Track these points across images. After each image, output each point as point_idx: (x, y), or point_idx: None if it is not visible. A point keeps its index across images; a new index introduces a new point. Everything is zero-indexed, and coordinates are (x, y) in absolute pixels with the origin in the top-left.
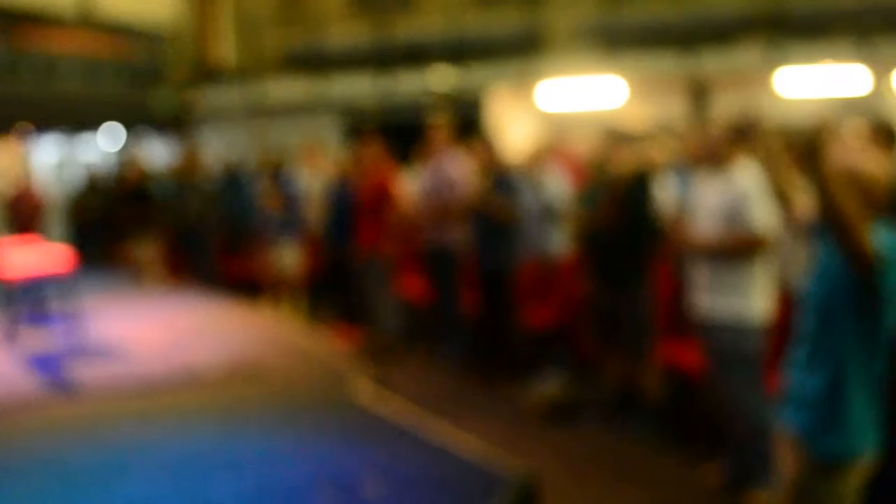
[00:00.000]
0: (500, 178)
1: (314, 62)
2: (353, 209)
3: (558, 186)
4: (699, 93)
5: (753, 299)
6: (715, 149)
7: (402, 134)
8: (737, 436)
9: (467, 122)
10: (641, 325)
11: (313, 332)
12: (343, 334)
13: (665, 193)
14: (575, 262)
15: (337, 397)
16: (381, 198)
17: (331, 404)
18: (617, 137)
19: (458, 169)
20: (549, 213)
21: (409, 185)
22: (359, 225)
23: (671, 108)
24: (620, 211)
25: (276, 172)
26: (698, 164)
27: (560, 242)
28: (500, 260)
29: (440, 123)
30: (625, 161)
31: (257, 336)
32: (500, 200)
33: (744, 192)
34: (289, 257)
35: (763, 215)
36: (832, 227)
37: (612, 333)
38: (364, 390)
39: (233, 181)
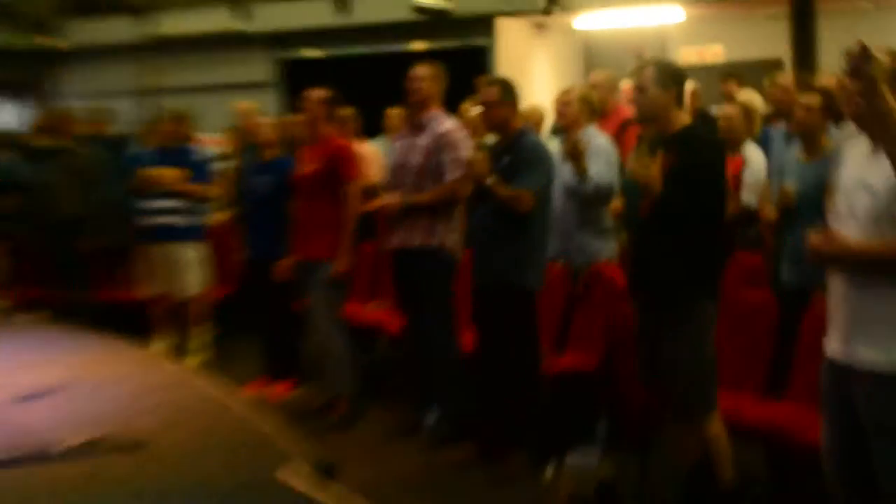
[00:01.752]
0: (511, 144)
1: None
2: (287, 200)
3: (607, 157)
4: (803, 8)
5: None
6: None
7: (366, 83)
8: None
9: (467, 58)
10: (700, 371)
11: (224, 386)
12: (268, 388)
13: (754, 166)
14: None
15: (257, 481)
16: (332, 182)
17: (248, 492)
18: (667, 72)
19: (449, 138)
20: (593, 200)
21: (378, 163)
22: (297, 225)
23: (756, 35)
24: (667, 192)
25: (176, 143)
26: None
27: (607, 244)
28: (506, 272)
29: (424, 72)
30: (677, 114)
31: (142, 390)
32: (505, 182)
33: None
34: (192, 272)
35: None
36: None
37: (658, 380)
38: (297, 473)
39: (114, 157)
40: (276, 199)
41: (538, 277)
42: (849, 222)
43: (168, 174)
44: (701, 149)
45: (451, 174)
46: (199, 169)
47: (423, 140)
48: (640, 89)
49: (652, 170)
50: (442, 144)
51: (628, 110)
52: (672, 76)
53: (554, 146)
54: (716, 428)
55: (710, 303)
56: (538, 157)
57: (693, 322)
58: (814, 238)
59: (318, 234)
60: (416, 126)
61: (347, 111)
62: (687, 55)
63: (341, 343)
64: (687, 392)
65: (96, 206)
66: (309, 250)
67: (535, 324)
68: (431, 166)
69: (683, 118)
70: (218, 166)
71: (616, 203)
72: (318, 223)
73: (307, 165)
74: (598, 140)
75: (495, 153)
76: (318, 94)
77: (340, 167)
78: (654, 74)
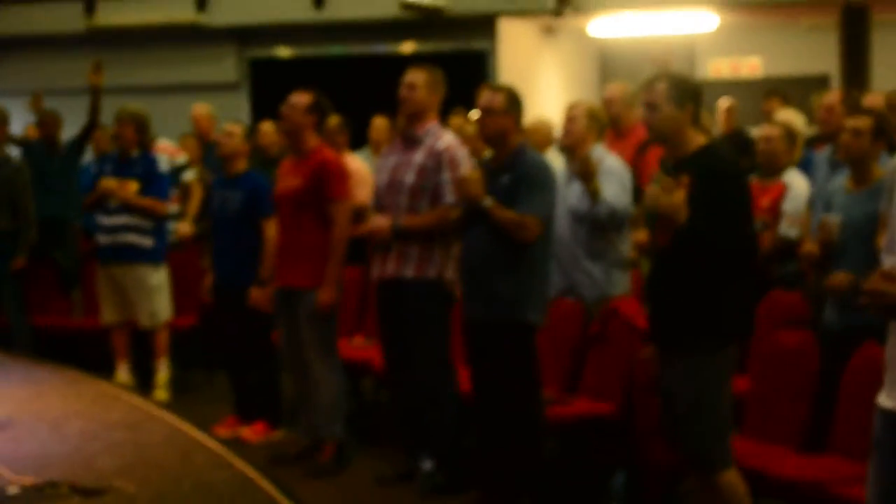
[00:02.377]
0: (511, 161)
1: None
2: (259, 219)
3: (620, 178)
4: (855, 19)
5: None
6: None
7: (346, 88)
8: None
9: (464, 64)
10: (719, 421)
11: (187, 430)
12: (240, 429)
13: (796, 194)
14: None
15: None
16: (318, 201)
17: None
18: (682, 88)
19: (450, 155)
20: (607, 225)
21: (367, 181)
22: (279, 248)
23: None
24: (690, 223)
25: (129, 148)
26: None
27: (621, 277)
28: (504, 305)
29: (420, 78)
30: (692, 135)
31: (101, 428)
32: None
33: None
34: (157, 297)
35: None
36: None
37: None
38: None
39: (63, 165)
40: (247, 219)
41: (540, 312)
42: None
43: (128, 186)
44: (719, 173)
45: (452, 196)
46: (158, 181)
47: (418, 157)
48: (650, 107)
49: (676, 196)
50: (441, 162)
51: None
52: (687, 92)
53: (559, 164)
54: (731, 476)
55: (732, 347)
56: (544, 178)
57: (712, 369)
58: (872, 281)
59: (302, 259)
60: (409, 140)
61: (334, 120)
62: (719, 68)
63: (336, 382)
64: (704, 444)
65: (30, 221)
66: (292, 277)
67: (536, 363)
68: (428, 186)
69: (699, 139)
70: (186, 177)
71: (640, 234)
72: (302, 247)
73: (289, 181)
74: (608, 161)
75: (490, 171)
76: (302, 99)
77: (327, 184)
78: (667, 90)
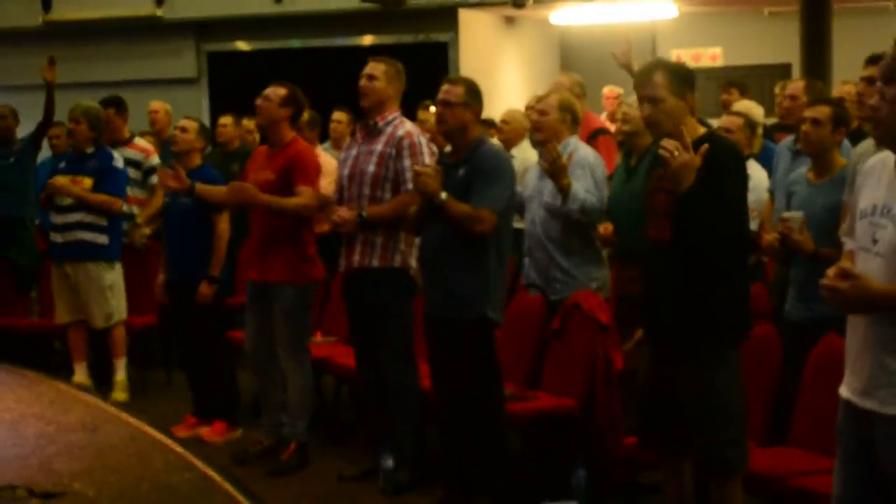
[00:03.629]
0: (468, 154)
1: None
2: (212, 214)
3: (593, 171)
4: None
5: None
6: None
7: (306, 81)
8: None
9: (425, 55)
10: (737, 421)
11: (147, 431)
12: (199, 429)
13: (755, 185)
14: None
15: None
16: (290, 193)
17: None
18: (680, 76)
19: (409, 141)
20: (581, 220)
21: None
22: (254, 242)
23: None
24: (681, 215)
25: (84, 145)
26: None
27: (597, 273)
28: (462, 299)
29: (379, 70)
30: (693, 124)
31: (58, 430)
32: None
33: None
34: (113, 296)
35: None
36: None
37: (673, 437)
38: None
39: (17, 162)
40: (198, 214)
41: (499, 306)
42: (868, 255)
43: (81, 183)
44: (727, 157)
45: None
46: (113, 178)
47: (378, 146)
48: (652, 101)
49: (692, 157)
50: (400, 149)
51: (597, 119)
52: (686, 81)
53: (532, 157)
54: (739, 486)
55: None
56: (498, 170)
57: (725, 367)
58: (831, 277)
59: (276, 253)
60: (370, 131)
61: (305, 115)
62: (680, 58)
63: (305, 381)
64: (721, 446)
65: None
66: (266, 272)
67: (495, 359)
68: (389, 175)
69: (699, 128)
70: (153, 179)
71: (603, 227)
72: (276, 241)
73: (262, 174)
74: (581, 152)
75: (448, 164)
76: (278, 91)
77: (296, 173)
78: (666, 80)
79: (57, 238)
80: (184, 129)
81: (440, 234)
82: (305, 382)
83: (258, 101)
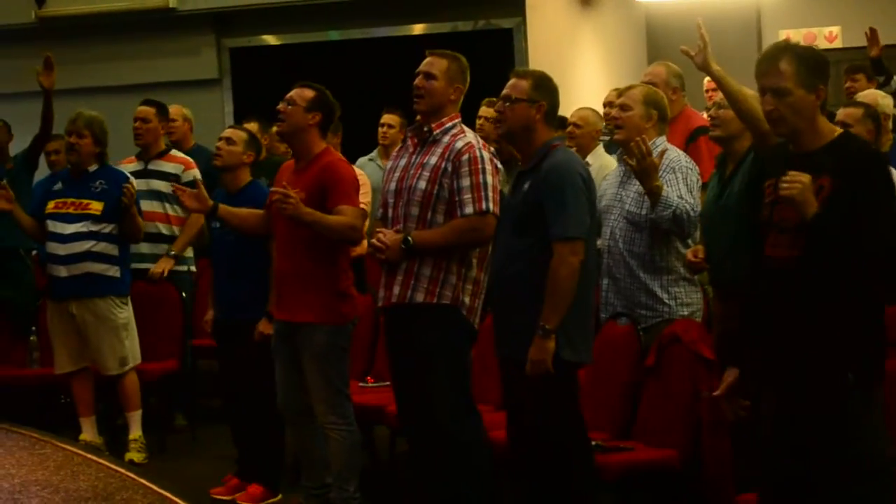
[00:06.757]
0: (536, 162)
1: None
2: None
3: (685, 176)
4: None
5: None
6: None
7: (344, 80)
8: None
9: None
10: (884, 472)
11: (169, 498)
12: (240, 493)
13: None
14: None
15: None
16: (319, 210)
17: None
18: (812, 64)
19: (471, 155)
20: (672, 231)
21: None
22: (278, 276)
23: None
24: (828, 216)
25: (86, 162)
26: None
27: (690, 295)
28: (530, 341)
29: (438, 66)
30: (823, 122)
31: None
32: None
33: None
34: (125, 337)
35: None
36: None
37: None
38: None
39: (2, 179)
40: (251, 242)
41: (580, 344)
42: None
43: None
44: (871, 165)
45: (471, 206)
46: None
47: (432, 158)
48: (777, 93)
49: (806, 185)
50: (458, 164)
51: (698, 116)
52: (818, 69)
53: (608, 164)
54: None
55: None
56: (574, 186)
57: (869, 411)
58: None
59: (303, 289)
60: (423, 140)
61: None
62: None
63: (348, 434)
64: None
65: None
66: (292, 311)
67: (576, 404)
68: (443, 194)
69: (833, 127)
70: None
71: (692, 251)
72: (304, 275)
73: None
74: (672, 155)
75: (516, 174)
76: (303, 94)
77: (332, 193)
78: (794, 68)
79: (60, 271)
80: (230, 141)
81: (515, 264)
82: (351, 438)
83: (280, 107)
